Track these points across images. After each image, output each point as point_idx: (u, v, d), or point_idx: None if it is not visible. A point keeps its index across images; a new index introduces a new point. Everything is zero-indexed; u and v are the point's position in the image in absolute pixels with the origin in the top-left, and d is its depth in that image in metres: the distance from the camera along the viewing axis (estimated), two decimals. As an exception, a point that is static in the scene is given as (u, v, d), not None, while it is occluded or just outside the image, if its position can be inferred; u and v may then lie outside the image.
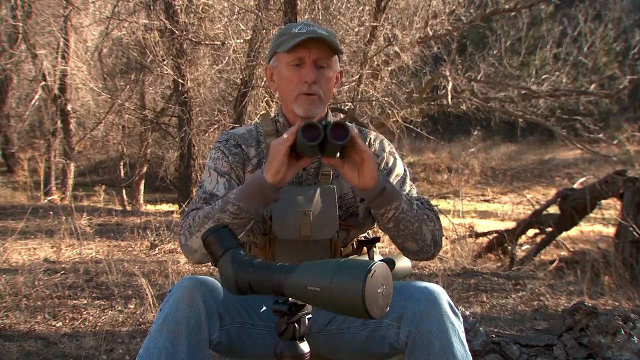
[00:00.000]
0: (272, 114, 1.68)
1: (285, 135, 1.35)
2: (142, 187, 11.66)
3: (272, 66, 1.61)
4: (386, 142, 1.67)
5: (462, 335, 1.39)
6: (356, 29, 7.76)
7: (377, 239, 1.63)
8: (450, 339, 1.35)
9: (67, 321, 3.14)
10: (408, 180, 1.62)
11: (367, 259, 1.62)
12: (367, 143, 1.63)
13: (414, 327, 1.37)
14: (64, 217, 5.65)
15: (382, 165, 1.61)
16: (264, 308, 1.51)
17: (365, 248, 1.64)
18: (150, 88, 10.64)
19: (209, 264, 1.56)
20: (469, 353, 1.39)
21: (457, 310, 1.41)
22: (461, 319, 1.41)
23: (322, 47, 1.51)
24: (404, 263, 1.66)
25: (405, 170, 1.64)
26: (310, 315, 1.23)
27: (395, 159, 1.64)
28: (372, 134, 1.67)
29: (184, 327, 1.34)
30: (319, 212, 1.52)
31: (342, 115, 6.03)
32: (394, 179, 1.60)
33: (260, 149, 1.61)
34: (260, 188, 1.38)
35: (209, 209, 1.46)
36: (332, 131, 1.32)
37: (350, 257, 1.60)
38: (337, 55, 1.58)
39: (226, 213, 1.41)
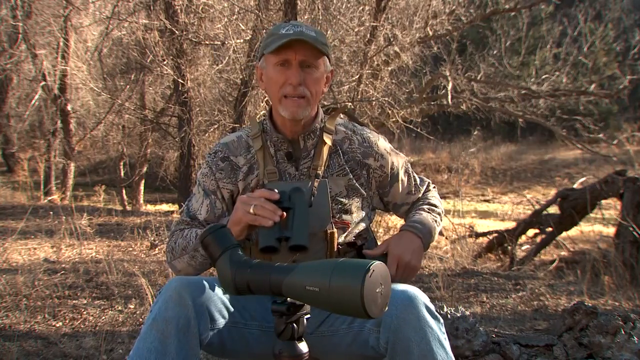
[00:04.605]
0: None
1: (250, 209, 1.38)
2: (142, 187, 11.66)
3: (261, 67, 1.61)
4: (382, 141, 1.72)
5: (443, 337, 1.36)
6: (356, 29, 7.75)
7: (361, 246, 1.63)
8: (430, 345, 1.33)
9: (67, 321, 3.14)
10: (409, 168, 1.77)
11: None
12: (374, 149, 1.67)
13: (392, 334, 1.35)
14: (64, 217, 5.63)
15: (391, 169, 1.70)
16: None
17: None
18: (150, 88, 10.63)
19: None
20: (451, 354, 1.37)
21: (435, 313, 1.38)
22: (441, 320, 1.39)
23: (309, 48, 1.50)
24: None
25: (405, 160, 1.79)
26: (308, 315, 1.23)
27: (396, 154, 1.75)
28: (373, 136, 1.70)
29: (173, 327, 1.33)
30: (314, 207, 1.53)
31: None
32: (404, 175, 1.74)
33: (250, 154, 1.62)
34: None
35: (188, 240, 1.55)
36: (290, 249, 1.37)
37: (348, 258, 1.60)
38: (327, 56, 1.57)
39: (198, 253, 1.53)
